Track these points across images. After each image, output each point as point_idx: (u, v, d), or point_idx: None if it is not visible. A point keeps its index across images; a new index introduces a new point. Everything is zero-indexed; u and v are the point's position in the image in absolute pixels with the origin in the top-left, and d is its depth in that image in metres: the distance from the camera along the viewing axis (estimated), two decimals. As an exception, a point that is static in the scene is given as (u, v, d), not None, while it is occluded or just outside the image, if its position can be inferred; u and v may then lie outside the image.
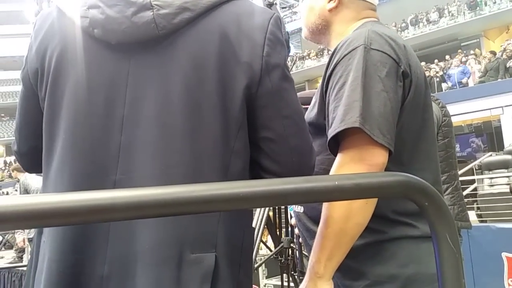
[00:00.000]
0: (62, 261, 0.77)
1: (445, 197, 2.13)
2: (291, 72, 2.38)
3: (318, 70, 20.57)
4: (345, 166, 0.99)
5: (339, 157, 1.01)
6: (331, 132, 1.00)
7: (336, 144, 1.02)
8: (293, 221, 1.33)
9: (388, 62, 1.01)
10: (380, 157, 0.97)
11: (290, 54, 2.55)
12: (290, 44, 2.47)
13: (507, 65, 11.70)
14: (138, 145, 0.80)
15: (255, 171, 0.88)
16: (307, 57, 23.39)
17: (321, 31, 1.27)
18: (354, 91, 0.98)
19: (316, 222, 1.11)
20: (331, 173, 1.01)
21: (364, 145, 0.97)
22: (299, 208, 1.22)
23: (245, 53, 0.82)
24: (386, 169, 0.99)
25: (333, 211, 0.97)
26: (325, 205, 1.00)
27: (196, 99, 0.80)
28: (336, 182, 0.67)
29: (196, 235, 0.79)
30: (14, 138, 0.99)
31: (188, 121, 0.80)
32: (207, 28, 0.82)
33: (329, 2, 1.23)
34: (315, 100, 1.17)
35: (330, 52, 1.14)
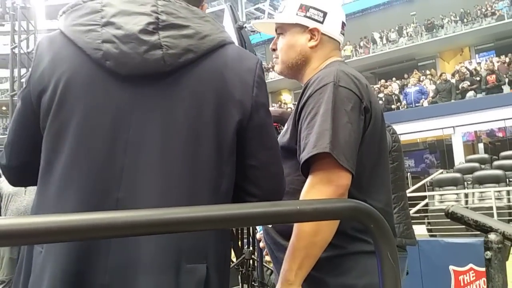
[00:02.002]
0: (66, 271, 0.84)
1: (394, 216, 2.30)
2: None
3: (281, 83, 20.88)
4: (315, 187, 1.14)
5: (309, 179, 1.16)
6: (304, 156, 1.15)
7: (307, 167, 1.17)
8: (258, 235, 1.45)
9: (353, 98, 1.19)
10: (345, 179, 1.13)
11: None
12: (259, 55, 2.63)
13: (460, 87, 12.33)
14: (141, 167, 0.88)
15: (237, 193, 0.99)
16: (271, 69, 23.70)
17: (299, 66, 1.41)
18: (325, 121, 1.15)
19: (284, 236, 1.26)
20: (303, 191, 1.17)
21: (331, 168, 1.13)
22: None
23: (238, 92, 0.95)
24: (348, 193, 1.15)
25: (304, 226, 1.12)
26: None
27: (195, 129, 0.91)
28: (298, 207, 0.80)
29: (191, 247, 0.88)
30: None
31: (187, 148, 0.90)
32: (207, 68, 0.94)
33: (310, 40, 1.38)
34: (287, 127, 1.32)
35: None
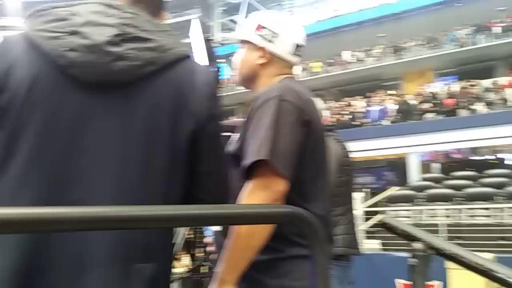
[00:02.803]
0: (14, 267, 0.86)
1: (339, 227, 2.42)
2: (224, 94, 2.56)
3: (250, 94, 20.92)
4: (254, 191, 1.23)
5: (249, 184, 1.25)
6: (246, 163, 1.25)
7: (249, 174, 1.26)
8: (207, 239, 1.52)
9: (296, 112, 1.29)
10: (281, 185, 1.23)
11: (226, 76, 2.78)
12: (227, 66, 2.70)
13: (420, 108, 12.76)
14: (96, 171, 0.93)
15: (187, 198, 1.04)
16: (240, 80, 23.74)
17: (250, 80, 1.53)
18: (266, 131, 1.25)
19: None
20: (242, 195, 1.25)
21: (270, 175, 1.23)
22: (218, 227, 1.43)
23: (194, 103, 1.01)
24: (290, 199, 1.24)
25: (240, 229, 1.21)
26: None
27: (150, 137, 0.96)
28: (240, 210, 0.89)
29: (140, 247, 0.93)
30: None
31: (143, 155, 0.96)
32: (166, 80, 0.99)
33: (260, 58, 1.48)
34: (238, 136, 1.41)
35: None
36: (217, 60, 2.65)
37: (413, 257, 1.12)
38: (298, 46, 1.49)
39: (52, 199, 0.90)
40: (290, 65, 1.51)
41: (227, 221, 0.92)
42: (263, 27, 1.48)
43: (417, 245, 1.13)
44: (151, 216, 0.77)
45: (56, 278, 0.87)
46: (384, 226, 1.27)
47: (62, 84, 0.95)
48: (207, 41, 2.61)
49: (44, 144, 0.92)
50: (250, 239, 1.21)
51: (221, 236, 1.38)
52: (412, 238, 1.16)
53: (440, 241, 1.17)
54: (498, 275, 1.02)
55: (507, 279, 1.00)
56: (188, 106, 1.01)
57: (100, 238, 0.88)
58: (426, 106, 12.59)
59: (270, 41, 1.47)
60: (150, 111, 0.97)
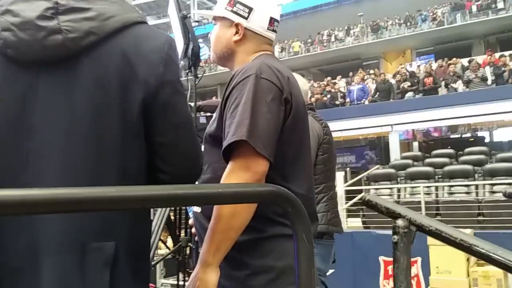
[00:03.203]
0: None
1: (321, 205, 2.44)
2: (204, 75, 2.52)
3: (230, 74, 20.85)
4: (234, 172, 1.21)
5: (229, 165, 1.22)
6: (224, 144, 1.22)
7: (229, 154, 1.23)
8: (190, 221, 1.49)
9: (274, 90, 1.25)
10: (262, 166, 1.20)
11: (205, 56, 2.74)
12: (206, 46, 2.67)
13: (400, 87, 12.88)
14: (46, 151, 0.90)
15: (152, 172, 1.01)
16: (220, 61, 23.58)
17: (226, 58, 1.48)
18: (244, 111, 1.21)
19: (208, 220, 1.30)
20: (222, 176, 1.22)
21: (249, 156, 1.19)
22: (197, 209, 1.40)
23: (143, 71, 0.96)
24: (271, 179, 1.21)
25: (222, 210, 1.18)
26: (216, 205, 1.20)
27: (99, 110, 0.92)
28: (220, 190, 0.86)
29: (98, 225, 0.90)
30: None
31: (92, 130, 0.92)
32: (110, 50, 0.95)
33: (235, 34, 1.43)
34: (215, 116, 1.37)
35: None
36: (196, 39, 2.60)
37: (396, 233, 1.10)
38: (273, 20, 1.45)
39: (3, 185, 0.87)
40: (267, 41, 1.47)
41: (207, 201, 0.89)
42: (236, 2, 1.43)
43: (400, 222, 1.12)
44: (125, 196, 0.72)
45: (11, 268, 0.87)
46: (367, 204, 1.26)
47: (2, 66, 0.93)
48: (184, 18, 2.56)
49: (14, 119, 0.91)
50: (232, 220, 1.18)
51: (201, 217, 1.36)
52: (395, 215, 1.15)
53: (423, 218, 1.16)
54: (480, 250, 1.02)
55: (489, 254, 1.00)
56: (136, 74, 0.96)
57: (53, 217, 0.85)
58: (405, 85, 12.69)
59: (244, 16, 1.43)
60: (95, 84, 0.93)
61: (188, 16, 2.60)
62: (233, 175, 1.20)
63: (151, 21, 30.07)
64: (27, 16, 0.91)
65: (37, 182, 0.88)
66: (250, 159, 1.19)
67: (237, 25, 1.42)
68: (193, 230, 1.45)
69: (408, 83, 12.74)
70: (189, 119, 1.07)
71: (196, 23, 2.79)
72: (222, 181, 1.21)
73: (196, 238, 1.47)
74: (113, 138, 0.94)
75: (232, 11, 1.43)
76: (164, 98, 0.98)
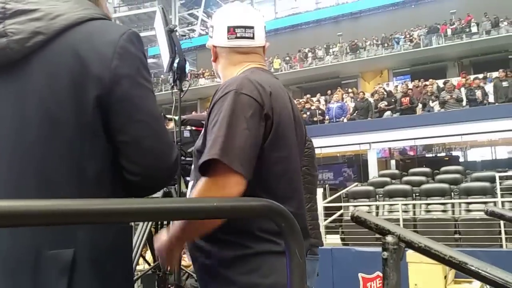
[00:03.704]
0: None
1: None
2: (185, 89, 2.49)
3: (211, 89, 20.83)
4: (208, 190, 1.18)
5: (203, 181, 1.20)
6: (199, 162, 1.20)
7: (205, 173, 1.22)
8: None
9: (254, 105, 1.23)
10: (236, 184, 1.17)
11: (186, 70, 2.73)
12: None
13: (378, 106, 13.08)
14: (13, 156, 0.89)
15: (120, 170, 0.96)
16: (201, 76, 23.64)
17: (218, 74, 1.52)
18: (220, 128, 1.19)
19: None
20: (193, 192, 1.23)
21: (224, 173, 1.16)
22: None
23: (95, 67, 0.91)
24: (257, 196, 1.17)
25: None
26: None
27: (50, 112, 0.90)
28: (215, 204, 0.84)
29: (55, 231, 0.86)
30: None
31: (43, 133, 0.89)
32: (60, 48, 0.92)
33: (212, 56, 1.48)
34: (203, 131, 1.35)
35: None
36: (182, 52, 2.60)
37: (386, 250, 1.10)
38: (232, 28, 1.41)
39: None
40: (244, 50, 1.44)
41: (202, 214, 0.88)
42: (210, 26, 1.49)
43: (390, 239, 1.12)
44: (115, 209, 0.70)
45: None
46: (356, 220, 1.26)
47: None
48: (171, 32, 2.55)
49: None
50: (200, 227, 1.22)
51: None
52: (384, 232, 1.15)
53: (412, 234, 1.16)
54: (470, 267, 1.02)
55: (478, 271, 1.01)
56: (88, 71, 0.91)
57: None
58: (383, 104, 12.91)
59: (211, 36, 1.47)
60: (45, 85, 0.92)
61: (174, 30, 2.59)
62: (205, 192, 1.18)
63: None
64: None
65: None
66: (224, 177, 1.17)
67: (212, 48, 1.47)
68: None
69: (386, 102, 12.97)
70: (153, 113, 0.98)
71: (183, 37, 2.79)
72: (194, 196, 1.22)
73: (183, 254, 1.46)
74: (66, 140, 0.90)
75: (210, 37, 1.49)
76: (121, 93, 0.92)
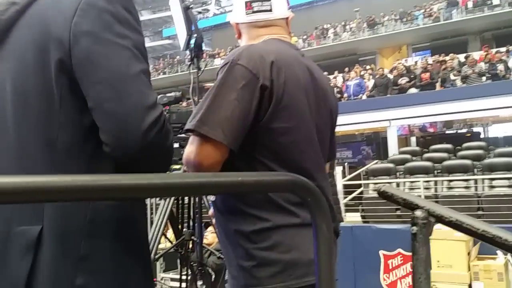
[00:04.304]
0: None
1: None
2: (203, 68, 2.46)
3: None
4: (186, 157, 1.21)
5: (190, 142, 1.22)
6: (182, 132, 1.27)
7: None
8: (211, 211, 1.47)
9: (248, 76, 1.21)
10: (214, 152, 1.19)
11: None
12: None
13: (398, 82, 12.88)
14: None
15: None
16: (217, 56, 23.56)
17: None
18: (206, 99, 1.21)
19: (220, 211, 1.31)
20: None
21: (203, 143, 1.18)
22: (213, 198, 1.40)
23: (57, 29, 0.85)
24: (268, 167, 1.22)
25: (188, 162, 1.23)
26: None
27: (20, 84, 0.88)
28: (240, 178, 0.82)
29: (24, 210, 0.84)
30: None
31: (14, 105, 0.88)
32: (30, 17, 0.90)
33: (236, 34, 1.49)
34: None
35: None
36: (199, 30, 2.56)
37: (415, 225, 1.07)
38: (249, 2, 1.41)
39: None
40: (260, 24, 1.42)
41: (227, 189, 0.86)
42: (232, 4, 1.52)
43: (419, 213, 1.09)
44: (140, 184, 0.68)
45: None
46: (382, 195, 1.23)
47: None
48: (187, 9, 2.51)
49: None
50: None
51: (215, 206, 1.35)
52: (413, 206, 1.11)
53: (442, 208, 1.13)
54: (504, 241, 0.99)
55: (516, 245, 0.97)
56: (51, 33, 0.86)
57: None
58: (403, 80, 12.69)
59: (233, 15, 1.48)
60: (18, 55, 0.89)
61: (190, 6, 2.55)
62: (188, 160, 1.21)
63: (146, 15, 29.94)
64: None
65: None
66: (201, 146, 1.19)
67: (235, 25, 1.48)
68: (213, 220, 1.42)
69: (406, 79, 12.75)
70: (117, 71, 0.85)
71: (199, 14, 2.75)
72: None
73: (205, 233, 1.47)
74: (34, 110, 0.87)
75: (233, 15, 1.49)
76: (81, 53, 0.84)
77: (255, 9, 1.40)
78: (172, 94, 2.51)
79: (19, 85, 0.88)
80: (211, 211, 1.45)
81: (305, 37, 21.98)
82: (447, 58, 13.84)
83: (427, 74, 12.45)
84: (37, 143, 0.86)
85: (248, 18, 1.41)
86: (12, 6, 0.90)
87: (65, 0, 0.88)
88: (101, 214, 0.87)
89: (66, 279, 0.83)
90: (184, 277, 2.93)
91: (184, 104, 2.84)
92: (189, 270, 2.82)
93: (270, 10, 1.40)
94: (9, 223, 0.84)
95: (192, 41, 2.59)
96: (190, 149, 1.21)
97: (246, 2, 1.41)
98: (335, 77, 15.71)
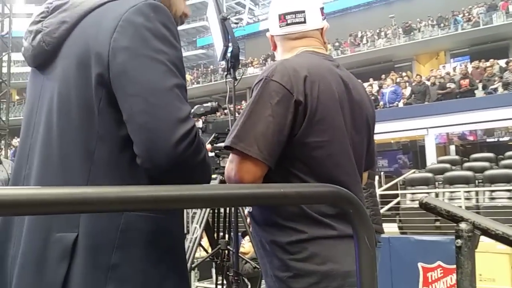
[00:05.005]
0: None
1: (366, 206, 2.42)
2: (239, 77, 2.48)
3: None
4: (227, 174, 1.25)
5: (229, 160, 1.26)
6: (223, 147, 1.29)
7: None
8: (246, 211, 1.50)
9: (282, 92, 1.23)
10: (253, 168, 1.21)
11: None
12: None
13: (435, 90, 12.60)
14: (37, 144, 0.97)
15: None
16: (249, 65, 23.72)
17: None
18: (241, 116, 1.24)
19: (256, 222, 1.33)
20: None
21: (241, 160, 1.22)
22: (249, 208, 1.40)
23: (98, 45, 0.89)
24: (301, 180, 1.23)
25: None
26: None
27: (64, 98, 0.93)
28: (282, 190, 0.82)
29: (63, 217, 0.87)
30: None
31: (59, 118, 0.93)
32: (76, 34, 0.95)
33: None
34: None
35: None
36: (235, 40, 2.59)
37: (459, 237, 1.04)
38: (283, 15, 1.42)
39: (15, 176, 1.02)
40: (293, 36, 1.43)
41: (269, 201, 0.86)
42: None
43: (464, 226, 1.06)
44: (186, 195, 0.70)
45: (15, 250, 0.93)
46: (425, 207, 1.20)
47: (31, 73, 1.06)
48: (224, 20, 2.55)
49: (23, 127, 1.04)
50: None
51: (251, 217, 1.36)
52: (457, 219, 1.08)
53: (488, 221, 1.09)
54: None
55: None
56: (92, 48, 0.90)
57: None
58: (440, 87, 12.39)
59: (269, 27, 1.49)
60: (64, 71, 0.95)
61: (228, 18, 2.59)
62: (229, 176, 1.25)
63: (180, 26, 30.54)
64: (28, 27, 1.01)
65: (30, 173, 0.97)
66: (240, 162, 1.22)
67: (270, 38, 1.51)
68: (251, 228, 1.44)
69: (443, 85, 12.45)
70: (151, 85, 0.87)
71: (236, 25, 2.78)
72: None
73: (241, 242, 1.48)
74: (75, 122, 0.91)
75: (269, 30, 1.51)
76: (118, 67, 0.87)
77: (289, 21, 1.41)
78: (209, 104, 2.55)
79: (63, 99, 0.93)
80: (248, 220, 1.47)
81: (337, 44, 21.82)
82: (487, 64, 13.44)
83: (467, 81, 12.11)
84: (77, 155, 0.90)
85: (282, 30, 1.42)
86: (62, 25, 0.95)
87: (106, 18, 0.92)
88: (132, 224, 0.89)
89: (97, 286, 0.85)
90: (219, 287, 2.93)
91: (218, 114, 2.87)
92: (224, 280, 2.83)
93: (304, 22, 1.40)
94: (49, 230, 0.87)
95: (229, 51, 2.62)
96: (230, 167, 1.24)
97: (279, 15, 1.41)
98: (370, 85, 15.51)
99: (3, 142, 12.91)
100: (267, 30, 1.52)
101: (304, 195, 0.86)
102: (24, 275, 0.89)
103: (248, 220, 1.47)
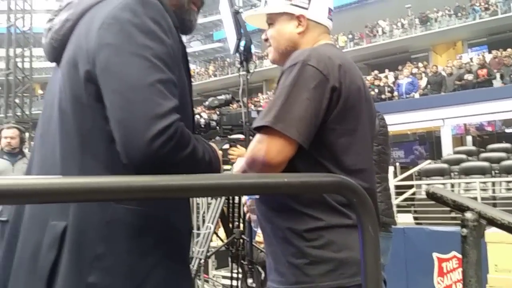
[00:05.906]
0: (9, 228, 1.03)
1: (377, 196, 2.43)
2: (252, 71, 2.51)
3: (276, 71, 20.72)
4: (253, 153, 1.22)
5: (257, 140, 1.23)
6: (253, 126, 1.27)
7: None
8: (245, 208, 1.51)
9: (319, 77, 1.24)
10: (285, 149, 1.20)
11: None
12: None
13: (452, 80, 12.41)
14: (41, 138, 1.04)
15: None
16: (266, 57, 23.63)
17: (289, 53, 1.43)
18: (279, 97, 1.23)
19: (269, 208, 1.34)
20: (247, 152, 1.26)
21: (274, 140, 1.20)
22: (256, 195, 1.42)
23: (87, 41, 0.92)
24: (327, 169, 1.23)
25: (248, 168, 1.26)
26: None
27: (63, 92, 0.97)
28: (285, 180, 0.85)
29: (57, 206, 0.92)
30: None
31: (59, 112, 0.98)
32: (76, 31, 0.98)
33: (297, 26, 1.44)
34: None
35: None
36: (248, 33, 2.60)
37: (465, 227, 1.06)
38: (330, 10, 1.47)
39: (31, 166, 1.08)
40: (326, 30, 1.47)
41: (273, 190, 0.89)
42: None
43: (469, 215, 1.07)
44: (190, 185, 0.73)
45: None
46: (431, 197, 1.21)
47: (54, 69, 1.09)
48: (237, 13, 2.57)
49: (40, 126, 1.07)
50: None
51: (258, 203, 1.38)
52: (463, 208, 1.10)
53: (494, 210, 1.10)
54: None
55: None
56: (82, 45, 0.93)
57: None
58: (457, 77, 12.21)
59: (305, 7, 1.44)
60: (63, 67, 0.99)
61: (240, 11, 2.60)
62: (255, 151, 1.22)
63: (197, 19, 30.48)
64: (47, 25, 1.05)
65: (32, 166, 1.05)
66: (273, 143, 1.20)
67: (298, 17, 1.43)
68: (254, 216, 1.45)
69: (461, 76, 12.26)
70: (132, 81, 0.87)
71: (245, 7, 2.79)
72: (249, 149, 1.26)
73: (252, 223, 1.50)
74: (69, 117, 0.95)
75: (292, 4, 1.44)
76: (101, 64, 0.88)
77: (330, 17, 1.47)
78: (223, 96, 2.58)
79: (61, 94, 0.98)
80: (248, 203, 1.48)
81: (350, 36, 21.58)
82: (505, 53, 13.17)
83: (484, 71, 11.91)
84: (71, 148, 0.95)
85: (327, 22, 1.46)
86: (66, 23, 1.00)
87: (97, 15, 0.94)
88: (119, 217, 0.90)
89: (80, 275, 0.88)
90: (235, 275, 2.98)
91: (235, 106, 2.89)
92: (239, 268, 2.87)
93: (331, 20, 1.48)
94: (47, 218, 0.93)
95: (242, 44, 2.63)
96: (258, 147, 1.21)
97: (329, 8, 1.46)
98: (386, 76, 15.34)
99: (27, 134, 13.19)
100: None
101: (308, 185, 0.89)
102: (21, 258, 0.95)
103: (245, 208, 1.49)
